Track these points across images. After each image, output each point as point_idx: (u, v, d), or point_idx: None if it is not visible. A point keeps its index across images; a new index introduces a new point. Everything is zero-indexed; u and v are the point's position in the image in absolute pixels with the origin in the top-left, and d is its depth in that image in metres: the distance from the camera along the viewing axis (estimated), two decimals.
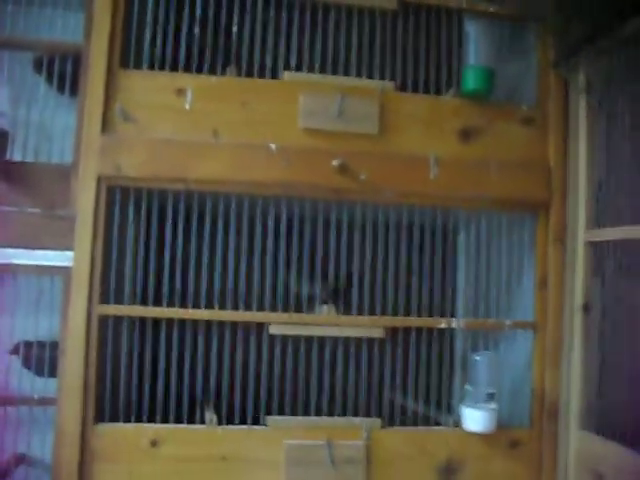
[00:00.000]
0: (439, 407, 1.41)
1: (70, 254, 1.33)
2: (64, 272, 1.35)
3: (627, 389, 1.28)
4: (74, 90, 1.45)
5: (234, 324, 1.33)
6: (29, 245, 1.36)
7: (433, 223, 1.43)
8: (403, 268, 1.40)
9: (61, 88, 1.49)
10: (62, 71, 1.48)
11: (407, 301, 1.41)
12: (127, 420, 1.31)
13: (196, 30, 1.36)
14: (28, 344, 1.50)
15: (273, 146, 1.32)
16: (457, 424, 1.37)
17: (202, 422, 1.32)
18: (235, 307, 1.33)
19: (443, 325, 1.37)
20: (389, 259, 1.41)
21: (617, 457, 1.23)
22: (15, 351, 1.51)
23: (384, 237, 1.40)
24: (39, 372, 1.48)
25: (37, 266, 1.36)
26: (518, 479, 1.38)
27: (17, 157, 1.40)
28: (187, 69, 1.35)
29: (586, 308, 1.37)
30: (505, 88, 1.46)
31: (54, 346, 1.46)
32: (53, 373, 1.44)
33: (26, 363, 1.51)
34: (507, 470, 1.38)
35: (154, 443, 1.29)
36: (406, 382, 1.41)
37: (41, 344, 1.49)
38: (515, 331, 1.44)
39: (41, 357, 1.48)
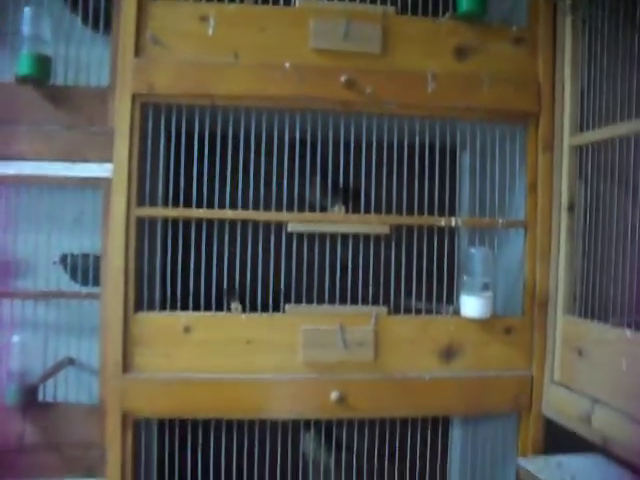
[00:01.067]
0: (440, 300, 1.57)
1: (109, 166, 1.51)
2: (105, 182, 1.53)
3: (606, 276, 1.43)
4: (108, 27, 1.62)
5: (256, 223, 1.49)
6: (72, 159, 1.54)
7: (434, 140, 1.58)
8: (407, 178, 1.56)
9: (96, 26, 1.67)
10: (96, 9, 1.65)
11: (410, 204, 1.56)
12: (163, 309, 1.49)
13: None
14: (74, 256, 1.69)
15: (287, 65, 1.47)
16: (457, 312, 1.53)
17: (228, 310, 1.50)
18: (256, 208, 1.50)
19: (443, 223, 1.52)
20: (394, 172, 1.56)
21: (595, 332, 1.39)
22: (62, 261, 1.70)
23: (389, 154, 1.56)
24: (84, 282, 1.66)
25: (80, 178, 1.54)
26: (512, 361, 1.54)
27: (60, 82, 1.57)
28: None
29: (571, 208, 1.52)
30: (498, 10, 1.60)
31: (97, 258, 1.64)
32: (96, 282, 1.62)
33: (72, 274, 1.70)
34: (502, 353, 1.54)
35: (187, 329, 1.46)
36: (410, 274, 1.57)
37: (85, 256, 1.67)
38: (509, 231, 1.60)
39: (86, 268, 1.66)
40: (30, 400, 1.54)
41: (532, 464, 1.46)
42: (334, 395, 1.46)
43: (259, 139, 1.52)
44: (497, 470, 1.64)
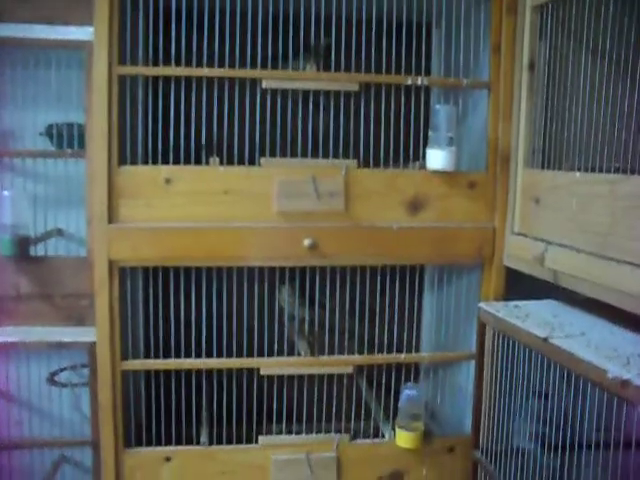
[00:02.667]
0: (407, 156, 1.66)
1: (90, 29, 1.57)
2: (87, 45, 1.60)
3: (561, 127, 1.51)
4: None
5: (232, 80, 1.57)
6: (54, 22, 1.61)
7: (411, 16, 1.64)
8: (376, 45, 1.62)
9: None
10: None
11: (379, 63, 1.63)
12: (145, 163, 1.58)
13: None
14: (59, 125, 1.77)
15: None
16: (423, 167, 1.62)
17: (207, 164, 1.58)
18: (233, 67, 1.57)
19: (410, 82, 1.60)
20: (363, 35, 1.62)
21: (549, 180, 1.48)
22: (48, 131, 1.78)
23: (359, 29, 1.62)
24: (70, 147, 1.75)
25: (64, 40, 1.61)
26: (475, 214, 1.64)
27: None
28: None
29: (531, 67, 1.59)
30: None
31: (81, 126, 1.72)
32: (82, 146, 1.71)
33: (58, 142, 1.78)
34: (466, 206, 1.64)
35: (168, 180, 1.55)
36: (378, 131, 1.66)
37: (70, 125, 1.75)
38: (475, 92, 1.68)
39: (70, 135, 1.74)
40: (23, 252, 1.64)
41: (492, 307, 1.57)
42: (307, 242, 1.55)
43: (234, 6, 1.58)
44: (462, 321, 1.76)
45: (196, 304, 1.62)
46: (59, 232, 1.83)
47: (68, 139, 1.73)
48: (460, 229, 1.63)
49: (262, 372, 1.65)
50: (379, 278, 1.67)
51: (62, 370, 1.81)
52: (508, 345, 1.47)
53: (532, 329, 1.34)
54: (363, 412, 1.84)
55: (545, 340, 1.27)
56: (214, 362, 1.64)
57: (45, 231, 1.78)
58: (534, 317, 1.45)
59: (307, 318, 1.72)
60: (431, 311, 2.01)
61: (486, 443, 1.58)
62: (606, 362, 1.10)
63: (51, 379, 1.78)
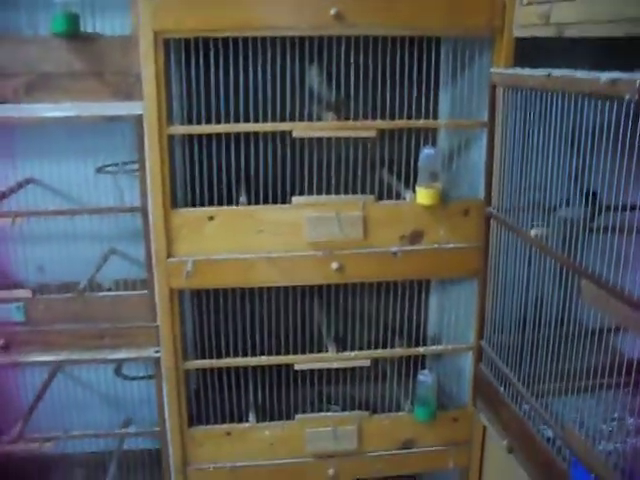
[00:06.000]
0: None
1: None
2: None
3: None
4: None
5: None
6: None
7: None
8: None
9: None
10: None
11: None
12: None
13: None
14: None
15: None
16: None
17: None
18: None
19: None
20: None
21: None
22: None
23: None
24: None
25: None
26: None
27: None
28: None
29: None
30: None
31: None
32: None
33: None
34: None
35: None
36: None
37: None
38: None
39: None
40: (74, 29, 1.74)
41: (502, 69, 1.74)
42: (334, 266, 1.87)
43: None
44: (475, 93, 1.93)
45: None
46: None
47: None
48: None
49: (294, 135, 1.81)
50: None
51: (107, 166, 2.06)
52: (519, 105, 1.62)
53: (534, 72, 1.49)
54: (386, 180, 2.05)
55: (548, 76, 1.42)
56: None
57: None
58: None
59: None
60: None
61: (499, 201, 1.79)
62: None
63: None
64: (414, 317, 2.10)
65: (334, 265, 1.86)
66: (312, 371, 2.05)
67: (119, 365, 2.18)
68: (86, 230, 2.10)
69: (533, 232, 1.65)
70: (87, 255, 2.10)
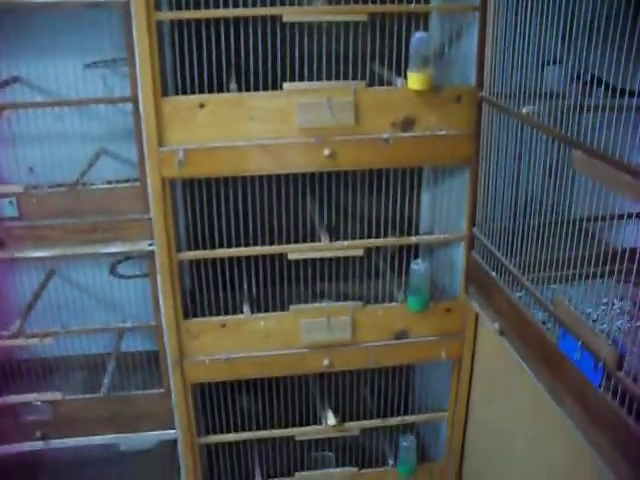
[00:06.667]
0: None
1: None
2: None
3: None
4: None
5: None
6: None
7: None
8: None
9: None
10: None
11: None
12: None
13: None
14: None
15: None
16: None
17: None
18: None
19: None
20: None
21: None
22: None
23: None
24: None
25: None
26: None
27: None
28: None
29: None
30: None
31: None
32: None
33: None
34: None
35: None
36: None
37: None
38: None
39: None
40: None
41: None
42: (326, 152, 1.86)
43: None
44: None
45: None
46: None
47: None
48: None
49: (285, 19, 1.77)
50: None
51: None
52: None
53: None
54: (377, 70, 2.02)
55: None
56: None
57: None
58: None
59: None
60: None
61: (490, 86, 1.80)
62: None
63: None
64: (406, 211, 2.11)
65: (326, 151, 1.85)
66: (306, 263, 2.08)
67: (114, 264, 2.19)
68: (76, 130, 2.11)
69: (525, 110, 1.66)
70: (78, 156, 2.09)
